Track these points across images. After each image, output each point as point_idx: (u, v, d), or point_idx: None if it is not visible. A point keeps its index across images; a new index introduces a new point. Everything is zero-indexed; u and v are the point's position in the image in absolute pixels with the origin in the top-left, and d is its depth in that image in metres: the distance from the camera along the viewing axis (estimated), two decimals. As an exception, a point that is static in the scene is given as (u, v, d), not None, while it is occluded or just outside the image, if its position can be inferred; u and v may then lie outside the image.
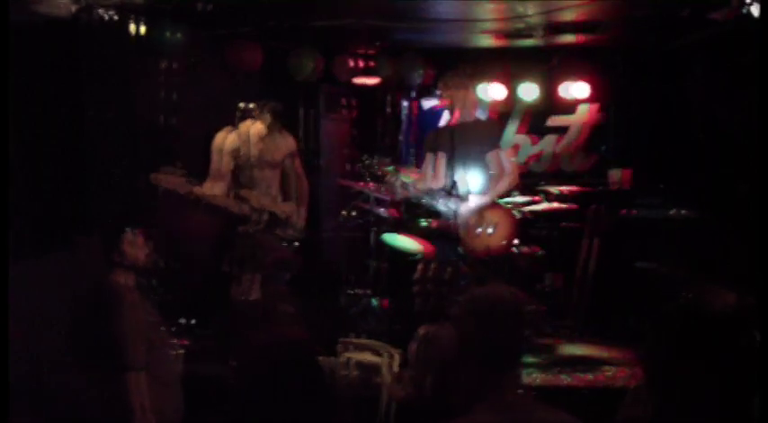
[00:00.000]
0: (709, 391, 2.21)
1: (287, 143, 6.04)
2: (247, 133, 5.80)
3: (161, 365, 3.87)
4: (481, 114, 6.79)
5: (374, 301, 6.21)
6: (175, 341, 4.64)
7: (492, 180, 6.10)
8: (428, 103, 7.91)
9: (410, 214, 6.62)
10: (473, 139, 6.10)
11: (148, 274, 4.08)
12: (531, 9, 6.00)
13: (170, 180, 5.30)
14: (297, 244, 6.01)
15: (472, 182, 6.11)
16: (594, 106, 7.69)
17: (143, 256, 3.95)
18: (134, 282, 3.93)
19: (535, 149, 7.91)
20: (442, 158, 6.20)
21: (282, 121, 6.05)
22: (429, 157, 6.33)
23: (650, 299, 4.98)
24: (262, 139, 5.83)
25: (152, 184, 5.19)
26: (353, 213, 6.55)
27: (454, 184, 6.02)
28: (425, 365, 4.73)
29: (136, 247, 3.93)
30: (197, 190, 5.43)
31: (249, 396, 2.32)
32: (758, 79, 4.23)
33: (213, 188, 5.62)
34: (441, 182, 6.20)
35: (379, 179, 6.19)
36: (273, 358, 2.34)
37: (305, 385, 2.31)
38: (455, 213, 6.02)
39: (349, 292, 6.52)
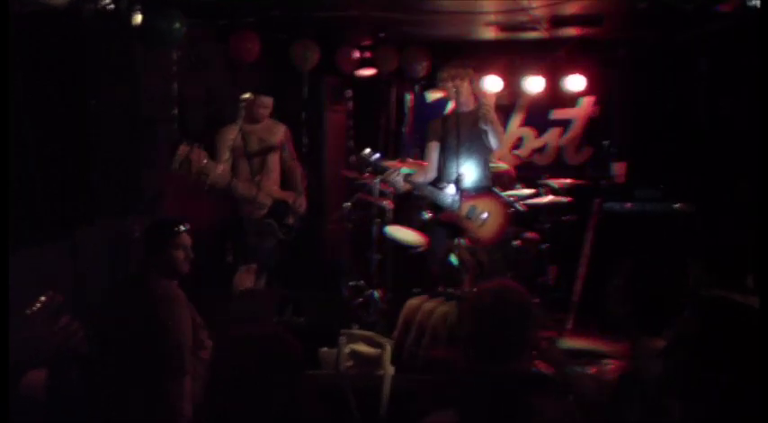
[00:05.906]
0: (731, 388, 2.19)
1: (281, 128, 6.39)
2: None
3: (200, 366, 3.67)
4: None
5: (376, 294, 6.21)
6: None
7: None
8: (432, 96, 7.90)
9: (410, 206, 6.63)
10: (475, 129, 6.10)
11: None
12: (534, 2, 5.99)
13: (184, 150, 5.40)
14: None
15: (472, 171, 6.14)
16: (592, 99, 7.67)
17: (188, 260, 3.81)
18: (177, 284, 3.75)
19: (538, 142, 7.90)
20: (437, 148, 6.28)
21: (283, 111, 6.26)
22: (433, 145, 6.34)
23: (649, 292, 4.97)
24: (260, 124, 6.22)
25: (155, 172, 5.24)
26: (356, 205, 6.54)
27: (459, 176, 5.95)
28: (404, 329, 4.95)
29: (185, 248, 3.79)
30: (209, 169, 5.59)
31: (219, 388, 2.29)
32: (760, 73, 4.22)
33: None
34: (436, 171, 6.28)
35: (379, 173, 6.19)
36: (243, 352, 2.31)
37: (273, 382, 2.26)
38: (457, 203, 5.99)
39: (351, 283, 6.52)
